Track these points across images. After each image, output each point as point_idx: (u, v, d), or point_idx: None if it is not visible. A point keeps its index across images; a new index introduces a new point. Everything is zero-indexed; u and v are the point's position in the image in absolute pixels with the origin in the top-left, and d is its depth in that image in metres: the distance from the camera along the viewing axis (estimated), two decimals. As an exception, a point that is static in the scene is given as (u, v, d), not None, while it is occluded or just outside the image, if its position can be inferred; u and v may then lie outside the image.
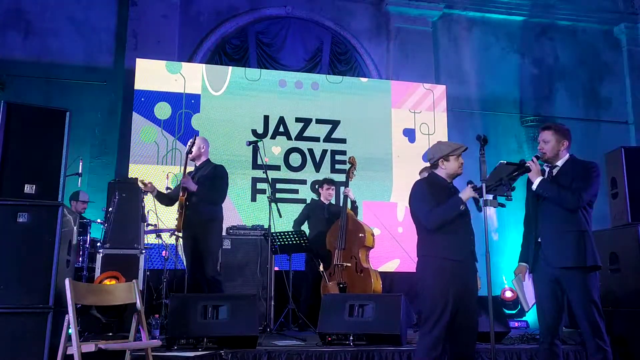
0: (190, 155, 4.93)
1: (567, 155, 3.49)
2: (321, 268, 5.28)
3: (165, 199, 4.99)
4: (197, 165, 5.00)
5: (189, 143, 4.89)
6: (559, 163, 3.46)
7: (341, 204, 5.67)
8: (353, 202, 5.72)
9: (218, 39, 7.87)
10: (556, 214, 3.34)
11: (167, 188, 5.71)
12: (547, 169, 3.50)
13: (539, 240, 3.37)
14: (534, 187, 3.37)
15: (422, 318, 3.29)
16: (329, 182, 6.06)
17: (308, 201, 6.54)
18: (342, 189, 5.84)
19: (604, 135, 8.59)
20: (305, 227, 5.96)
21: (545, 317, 3.33)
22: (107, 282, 4.56)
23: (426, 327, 3.21)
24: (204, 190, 4.76)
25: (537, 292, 3.36)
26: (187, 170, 4.88)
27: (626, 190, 4.37)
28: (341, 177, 6.58)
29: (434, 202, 3.29)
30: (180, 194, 4.74)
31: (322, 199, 6.04)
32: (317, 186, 6.31)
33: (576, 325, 3.52)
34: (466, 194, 3.26)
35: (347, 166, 5.89)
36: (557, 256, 3.29)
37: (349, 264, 5.38)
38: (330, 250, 5.57)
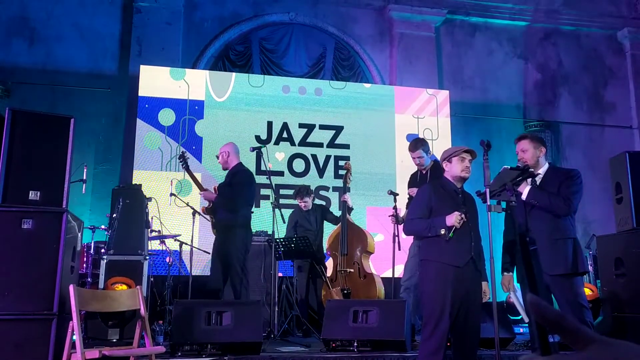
0: (220, 162, 5.07)
1: (547, 164, 3.53)
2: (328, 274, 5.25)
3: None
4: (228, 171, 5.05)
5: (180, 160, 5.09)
6: (541, 171, 3.48)
7: (340, 211, 5.63)
8: (350, 209, 5.69)
9: (222, 46, 7.89)
10: (546, 222, 3.37)
11: (172, 194, 5.73)
12: (529, 178, 3.49)
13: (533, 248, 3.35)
14: (524, 196, 3.35)
15: (422, 323, 3.29)
16: (296, 195, 5.94)
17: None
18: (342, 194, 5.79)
19: (608, 140, 8.56)
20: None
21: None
22: (118, 287, 4.54)
23: (426, 332, 3.22)
24: (222, 198, 4.79)
25: None
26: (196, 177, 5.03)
27: (631, 195, 4.36)
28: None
29: (424, 212, 3.34)
30: (203, 206, 4.89)
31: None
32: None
33: None
34: (450, 220, 3.21)
35: (343, 172, 5.86)
36: (552, 264, 3.30)
37: (352, 270, 5.37)
38: (330, 256, 5.55)
